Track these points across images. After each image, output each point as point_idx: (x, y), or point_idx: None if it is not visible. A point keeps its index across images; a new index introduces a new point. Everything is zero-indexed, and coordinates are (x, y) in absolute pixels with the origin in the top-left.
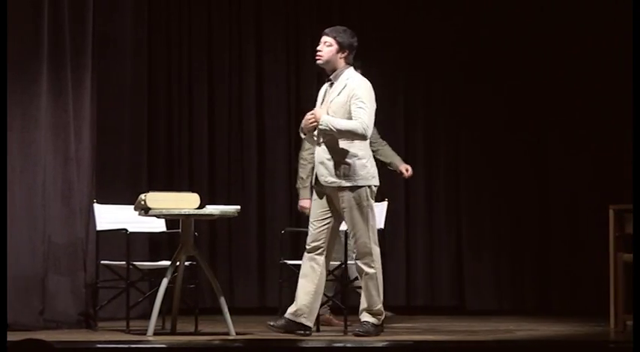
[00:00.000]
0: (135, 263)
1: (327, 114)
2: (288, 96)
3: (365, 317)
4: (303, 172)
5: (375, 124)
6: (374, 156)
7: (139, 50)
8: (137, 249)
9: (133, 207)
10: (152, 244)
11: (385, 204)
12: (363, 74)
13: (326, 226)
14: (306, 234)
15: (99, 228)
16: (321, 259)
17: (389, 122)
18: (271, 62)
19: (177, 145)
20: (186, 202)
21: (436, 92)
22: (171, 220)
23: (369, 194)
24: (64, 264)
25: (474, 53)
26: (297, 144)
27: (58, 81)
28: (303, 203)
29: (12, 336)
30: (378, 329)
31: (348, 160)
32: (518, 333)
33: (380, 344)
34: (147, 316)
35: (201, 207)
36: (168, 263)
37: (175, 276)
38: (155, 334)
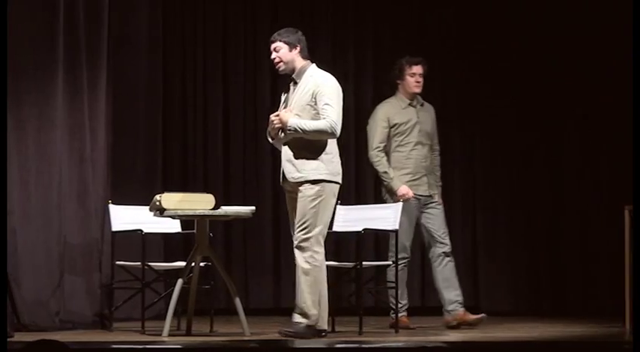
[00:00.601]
0: (150, 263)
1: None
2: None
3: (296, 317)
4: (382, 167)
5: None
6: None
7: (153, 50)
8: (152, 250)
9: (148, 207)
10: (167, 245)
11: (400, 205)
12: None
13: None
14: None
15: (114, 228)
16: None
17: None
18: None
19: (192, 145)
20: (201, 203)
21: (451, 91)
22: (187, 221)
23: (332, 191)
24: (80, 265)
25: (490, 52)
26: None
27: (73, 81)
28: (401, 191)
29: (28, 337)
30: (310, 330)
31: (314, 155)
32: (534, 334)
33: (397, 345)
34: (162, 317)
35: (216, 207)
36: (183, 263)
37: (190, 277)
38: (170, 335)
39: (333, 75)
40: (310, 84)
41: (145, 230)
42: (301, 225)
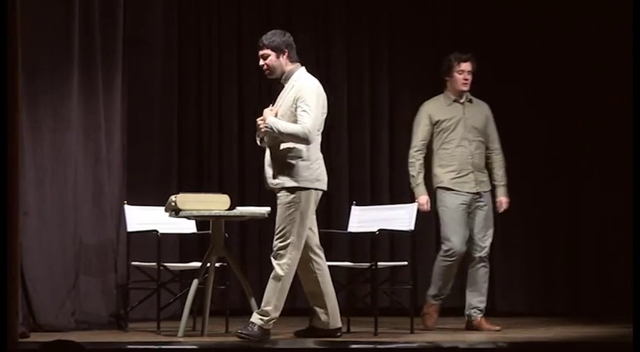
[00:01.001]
0: (165, 264)
1: (276, 116)
2: None
3: (254, 317)
4: (412, 171)
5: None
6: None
7: (169, 50)
8: (168, 250)
9: (163, 208)
10: (183, 245)
11: (415, 205)
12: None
13: None
14: (338, 235)
15: (129, 229)
16: (311, 263)
17: None
18: (301, 59)
19: (207, 146)
20: (216, 203)
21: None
22: (202, 221)
23: (309, 198)
24: (95, 265)
25: (506, 54)
26: (328, 145)
27: (88, 81)
28: (420, 201)
29: (43, 337)
30: (263, 332)
31: (291, 161)
32: (549, 334)
33: (412, 346)
34: (177, 317)
35: (231, 208)
36: (198, 264)
37: (206, 277)
38: (186, 335)
39: (349, 77)
40: (294, 88)
41: (161, 230)
42: (278, 232)
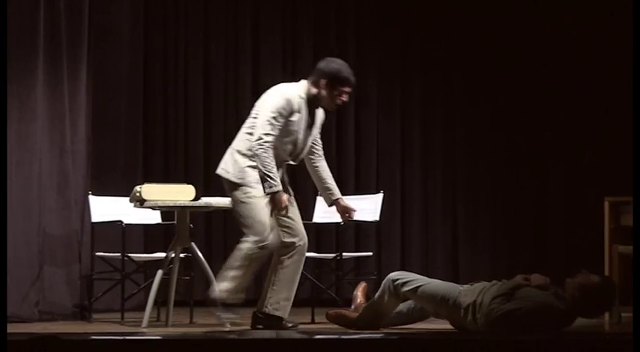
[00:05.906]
0: (130, 255)
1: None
2: None
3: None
4: None
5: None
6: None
7: (135, 41)
8: (132, 241)
9: (128, 198)
10: (147, 236)
11: (380, 196)
12: None
13: None
14: (304, 225)
15: (94, 219)
16: None
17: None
18: (268, 52)
19: (173, 137)
20: (181, 194)
21: (431, 89)
22: (167, 212)
23: None
24: (59, 256)
25: (470, 52)
26: None
27: (54, 72)
28: None
29: (9, 328)
30: None
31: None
32: None
33: (376, 336)
34: (142, 308)
35: (196, 198)
36: (163, 255)
37: (170, 268)
38: (150, 325)
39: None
40: (322, 113)
41: (125, 221)
42: None
